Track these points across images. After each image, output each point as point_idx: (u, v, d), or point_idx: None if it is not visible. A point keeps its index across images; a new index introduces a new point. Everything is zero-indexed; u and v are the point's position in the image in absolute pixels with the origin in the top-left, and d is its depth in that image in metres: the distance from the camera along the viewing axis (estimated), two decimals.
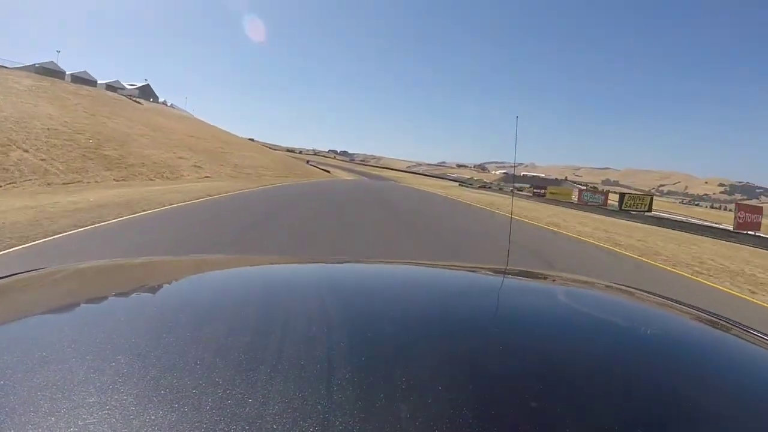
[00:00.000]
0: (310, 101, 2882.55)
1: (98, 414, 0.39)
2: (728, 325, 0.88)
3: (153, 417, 0.39)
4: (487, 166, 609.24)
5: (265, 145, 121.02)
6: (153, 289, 0.87)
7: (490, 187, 74.12)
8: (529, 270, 1.23)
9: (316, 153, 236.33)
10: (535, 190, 41.45)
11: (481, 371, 0.56)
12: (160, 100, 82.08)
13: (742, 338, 0.83)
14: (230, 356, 0.52)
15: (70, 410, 0.40)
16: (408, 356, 0.57)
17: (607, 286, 1.15)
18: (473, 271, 1.25)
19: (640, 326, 0.85)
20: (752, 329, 0.85)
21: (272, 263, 1.22)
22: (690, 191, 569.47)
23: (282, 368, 0.49)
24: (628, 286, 1.12)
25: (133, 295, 0.84)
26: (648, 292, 1.06)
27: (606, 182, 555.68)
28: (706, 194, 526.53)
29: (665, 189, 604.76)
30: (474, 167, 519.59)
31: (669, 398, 0.55)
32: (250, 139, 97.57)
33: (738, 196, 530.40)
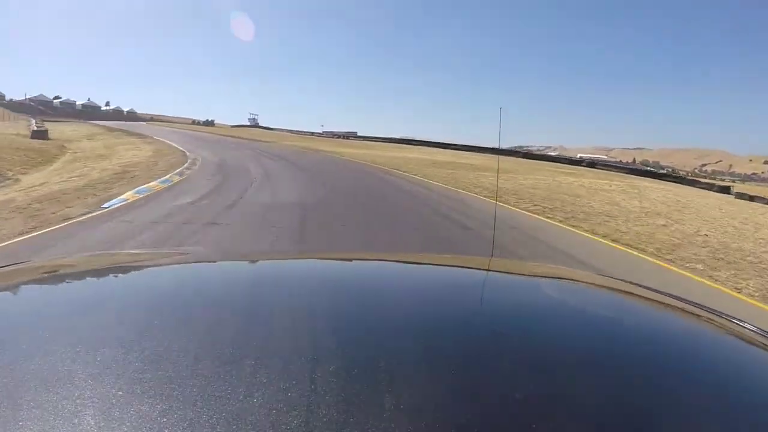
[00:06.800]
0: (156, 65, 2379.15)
1: (83, 407, 0.40)
2: (723, 320, 0.86)
3: (139, 408, 0.40)
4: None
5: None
6: (138, 283, 0.88)
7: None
8: (515, 261, 1.19)
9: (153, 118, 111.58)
10: None
11: (467, 365, 0.56)
12: None
13: (736, 334, 0.82)
14: (215, 349, 0.52)
15: (54, 403, 0.40)
16: (393, 350, 0.57)
17: (598, 280, 1.11)
18: (458, 264, 1.24)
19: (632, 320, 0.84)
20: (748, 324, 0.83)
21: (261, 258, 1.22)
22: (735, 170, 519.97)
23: (267, 362, 0.50)
24: (622, 280, 1.10)
25: (118, 288, 0.84)
26: (642, 286, 1.03)
27: (644, 163, 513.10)
28: (754, 173, 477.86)
29: (708, 168, 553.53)
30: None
31: (658, 393, 0.54)
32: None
33: None
